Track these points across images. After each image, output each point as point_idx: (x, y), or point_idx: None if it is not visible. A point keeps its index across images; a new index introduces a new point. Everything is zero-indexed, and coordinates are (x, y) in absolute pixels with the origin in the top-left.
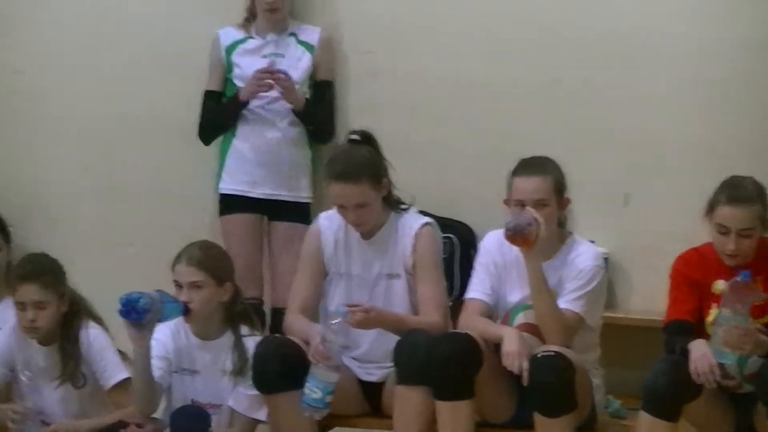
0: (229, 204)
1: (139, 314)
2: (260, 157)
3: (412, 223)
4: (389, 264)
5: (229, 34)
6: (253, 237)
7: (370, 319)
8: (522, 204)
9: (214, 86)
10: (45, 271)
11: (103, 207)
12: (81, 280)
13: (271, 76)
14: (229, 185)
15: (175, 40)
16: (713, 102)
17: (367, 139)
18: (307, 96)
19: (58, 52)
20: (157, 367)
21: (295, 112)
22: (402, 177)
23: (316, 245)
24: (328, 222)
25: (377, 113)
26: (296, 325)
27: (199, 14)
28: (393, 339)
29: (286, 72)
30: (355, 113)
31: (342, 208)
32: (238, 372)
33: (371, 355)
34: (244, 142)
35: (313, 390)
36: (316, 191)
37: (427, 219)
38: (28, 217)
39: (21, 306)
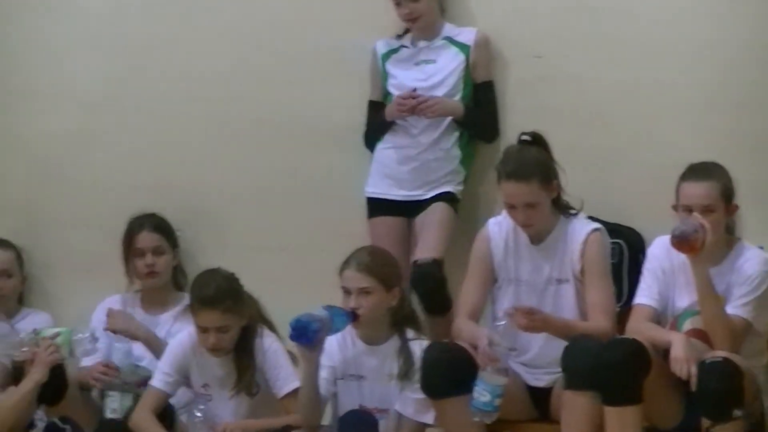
0: (374, 206)
1: (310, 339)
2: (405, 159)
3: (581, 228)
4: (558, 269)
5: (385, 44)
6: (397, 239)
7: (535, 323)
8: (689, 209)
9: (375, 96)
10: (226, 296)
11: (267, 211)
12: (246, 283)
13: (411, 104)
14: (374, 188)
15: (335, 48)
16: None
17: (538, 141)
18: (458, 97)
19: (220, 57)
20: (323, 378)
21: (455, 119)
22: (571, 182)
23: (485, 251)
24: (498, 228)
25: (546, 117)
26: (464, 329)
27: (360, 24)
28: (561, 344)
29: (418, 96)
30: (522, 117)
31: (512, 208)
32: (404, 376)
33: (539, 360)
34: (389, 145)
35: (482, 393)
36: (468, 192)
37: (595, 225)
38: (194, 221)
39: (203, 329)
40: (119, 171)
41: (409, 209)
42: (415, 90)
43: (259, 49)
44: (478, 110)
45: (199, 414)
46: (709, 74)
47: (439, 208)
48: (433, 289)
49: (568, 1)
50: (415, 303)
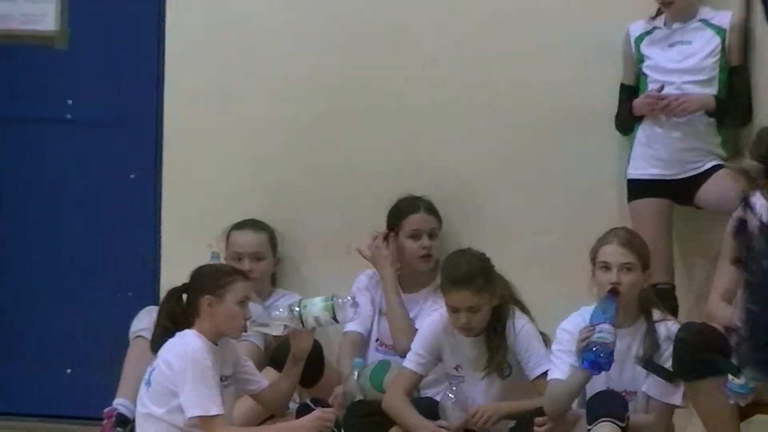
0: (636, 189)
1: (602, 368)
2: (663, 145)
3: None
4: None
5: (639, 26)
6: (659, 222)
7: None
8: None
9: (627, 80)
10: (477, 275)
11: (521, 194)
12: (504, 266)
13: (659, 104)
14: (635, 171)
15: (588, 31)
16: None
17: None
18: (714, 83)
19: (473, 42)
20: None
21: (707, 112)
22: None
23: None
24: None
25: None
26: (718, 311)
27: (611, 7)
28: None
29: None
30: None
31: None
32: (649, 358)
33: None
34: (648, 130)
35: (737, 375)
36: None
37: None
38: (455, 206)
39: (453, 309)
40: (373, 155)
41: (673, 190)
42: (662, 88)
43: (513, 32)
44: (729, 99)
45: (451, 395)
46: None
47: (724, 171)
48: None
49: None
50: None
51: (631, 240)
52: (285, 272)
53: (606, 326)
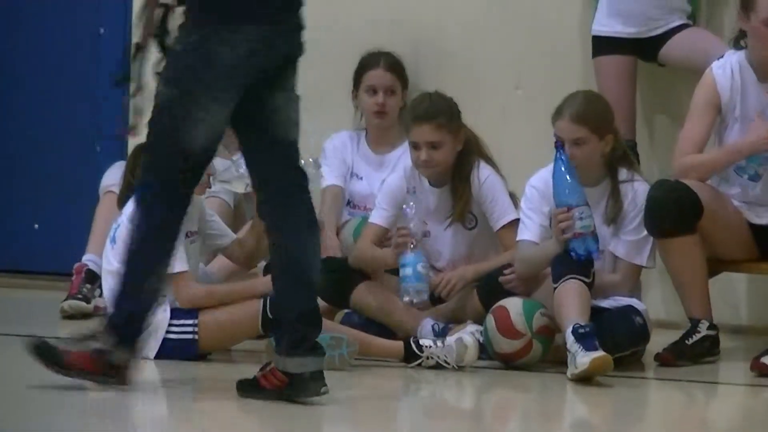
0: (600, 46)
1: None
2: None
3: None
4: None
5: None
6: (622, 78)
7: None
8: None
9: None
10: (439, 112)
11: (495, 50)
12: (477, 122)
13: None
14: (601, 26)
15: None
16: None
17: None
18: None
19: None
20: (543, 226)
21: None
22: None
23: (712, 93)
24: (722, 70)
25: None
26: (691, 160)
27: None
28: None
29: None
30: None
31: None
32: (613, 219)
33: (763, 198)
34: None
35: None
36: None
37: None
38: (431, 61)
39: (415, 146)
40: (352, 7)
41: (637, 47)
42: None
43: None
44: None
45: (409, 209)
46: None
47: (691, 29)
48: None
49: None
50: None
51: (583, 112)
52: None
53: (583, 209)
